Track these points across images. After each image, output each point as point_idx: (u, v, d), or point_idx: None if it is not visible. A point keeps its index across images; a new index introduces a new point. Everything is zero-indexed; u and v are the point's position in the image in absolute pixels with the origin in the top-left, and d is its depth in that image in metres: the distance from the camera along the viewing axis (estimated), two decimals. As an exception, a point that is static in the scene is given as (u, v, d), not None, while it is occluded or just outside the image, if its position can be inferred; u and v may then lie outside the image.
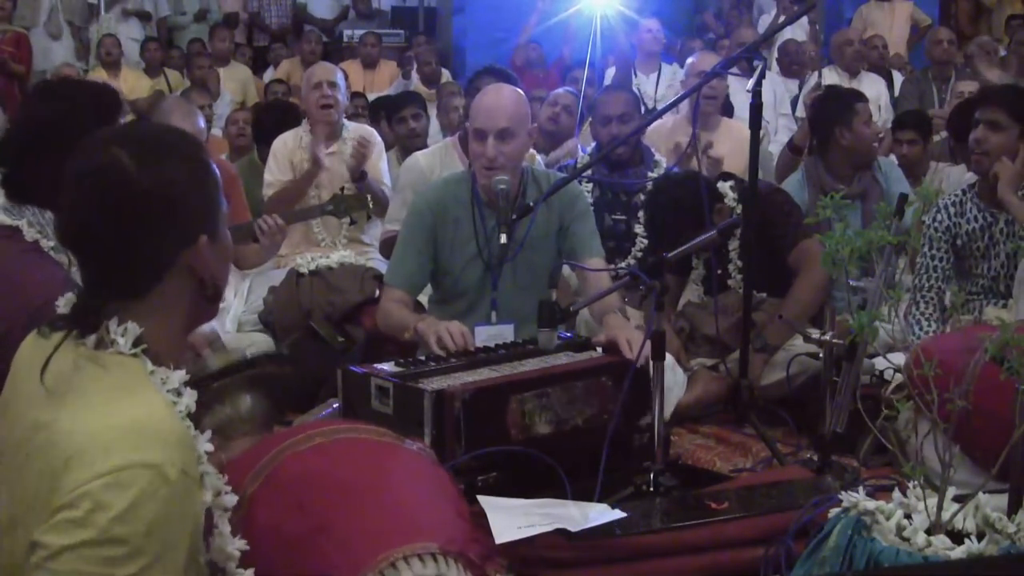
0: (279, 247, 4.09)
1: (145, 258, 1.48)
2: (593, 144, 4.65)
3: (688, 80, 5.25)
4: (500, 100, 3.25)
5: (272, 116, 5.39)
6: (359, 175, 4.43)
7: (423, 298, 3.59)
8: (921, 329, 3.59)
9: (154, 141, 1.54)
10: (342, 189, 4.41)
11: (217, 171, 1.58)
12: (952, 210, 3.66)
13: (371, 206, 4.32)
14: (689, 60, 5.47)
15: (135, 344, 1.46)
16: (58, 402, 1.42)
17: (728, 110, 5.97)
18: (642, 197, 4.31)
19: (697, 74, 5.09)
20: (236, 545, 1.55)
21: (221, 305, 1.71)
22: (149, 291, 1.50)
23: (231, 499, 1.53)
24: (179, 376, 1.48)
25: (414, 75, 8.86)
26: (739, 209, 3.80)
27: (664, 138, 4.91)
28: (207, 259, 1.52)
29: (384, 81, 8.86)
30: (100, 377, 1.43)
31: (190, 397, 1.47)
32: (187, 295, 1.53)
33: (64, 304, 1.53)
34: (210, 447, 1.47)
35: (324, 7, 10.18)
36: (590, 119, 4.93)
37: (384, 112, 6.05)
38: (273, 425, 2.50)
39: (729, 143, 4.86)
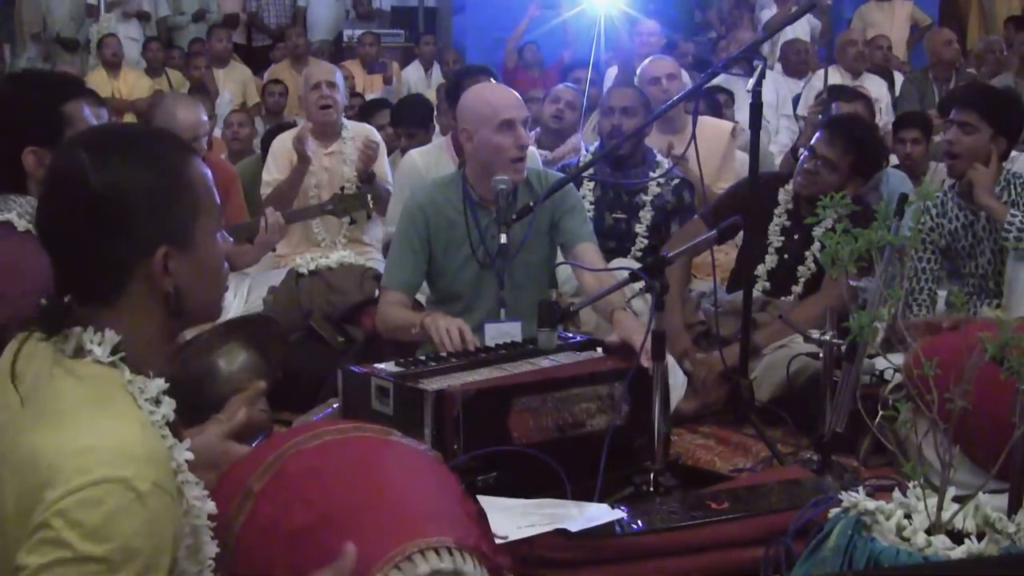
0: (272, 246, 4.09)
1: (103, 264, 1.45)
2: (596, 143, 4.64)
3: (642, 88, 5.12)
4: (510, 91, 3.30)
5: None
6: (368, 176, 4.44)
7: (420, 297, 3.58)
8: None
9: (120, 145, 1.49)
10: (342, 189, 4.41)
11: (202, 179, 1.52)
12: (934, 211, 3.67)
13: (372, 204, 4.32)
14: (644, 63, 5.28)
15: (113, 352, 1.43)
16: (35, 418, 1.40)
17: (717, 108, 5.94)
18: (643, 197, 4.32)
19: (649, 80, 5.00)
20: (211, 551, 1.53)
21: (221, 305, 1.69)
22: (116, 298, 1.46)
23: (211, 505, 1.51)
24: (157, 385, 1.45)
25: (404, 77, 8.89)
26: None
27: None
28: (170, 272, 1.47)
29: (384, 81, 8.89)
30: (75, 389, 1.41)
31: (168, 406, 1.45)
32: (156, 304, 1.49)
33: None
34: (189, 455, 1.45)
35: (325, 8, 10.18)
36: (595, 117, 4.90)
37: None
38: (266, 380, 2.49)
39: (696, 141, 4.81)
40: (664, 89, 4.90)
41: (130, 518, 1.32)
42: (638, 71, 5.26)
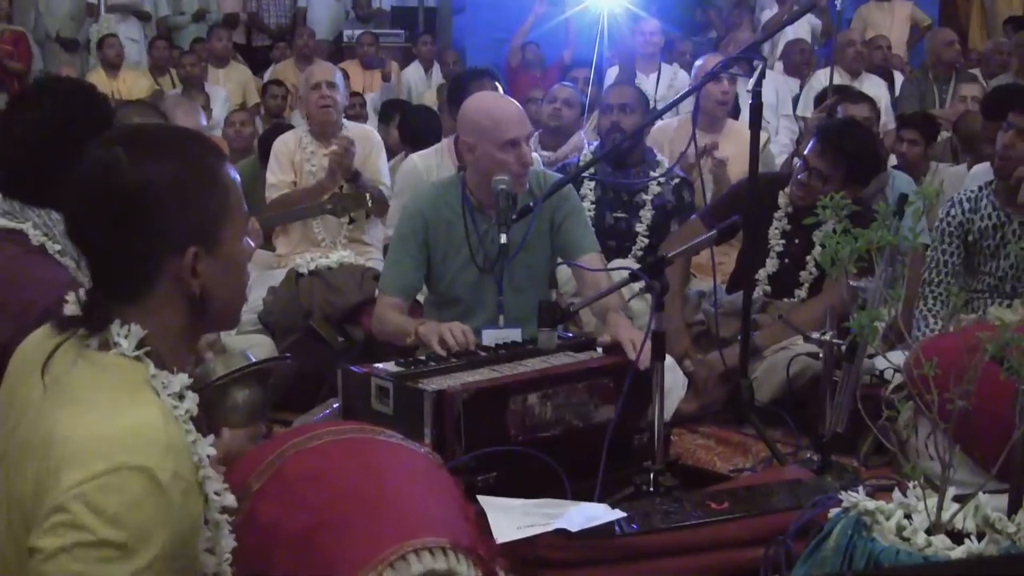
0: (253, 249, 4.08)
1: (132, 260, 1.47)
2: (597, 142, 4.65)
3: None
4: (515, 106, 3.27)
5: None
6: (351, 175, 4.43)
7: (419, 297, 3.58)
8: (927, 326, 3.59)
9: (156, 143, 1.51)
10: (341, 188, 4.41)
11: (233, 183, 1.54)
12: (967, 205, 3.66)
13: (370, 204, 4.31)
14: (698, 63, 5.45)
15: (139, 346, 1.45)
16: (56, 403, 1.41)
17: (735, 111, 5.95)
18: (643, 196, 4.32)
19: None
20: (229, 545, 1.53)
21: (240, 312, 1.68)
22: (144, 294, 1.48)
23: (230, 499, 1.52)
24: (181, 380, 1.47)
25: (404, 78, 8.87)
26: None
27: (668, 140, 4.90)
28: (198, 272, 1.49)
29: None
30: (99, 379, 1.43)
31: (192, 401, 1.46)
32: (182, 304, 1.51)
33: (73, 301, 1.53)
34: (212, 451, 1.46)
35: (324, 9, 10.18)
36: (596, 116, 4.92)
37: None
38: (266, 414, 2.49)
39: (734, 146, 4.84)
40: (724, 90, 4.96)
41: (149, 506, 1.33)
42: (697, 65, 5.33)
